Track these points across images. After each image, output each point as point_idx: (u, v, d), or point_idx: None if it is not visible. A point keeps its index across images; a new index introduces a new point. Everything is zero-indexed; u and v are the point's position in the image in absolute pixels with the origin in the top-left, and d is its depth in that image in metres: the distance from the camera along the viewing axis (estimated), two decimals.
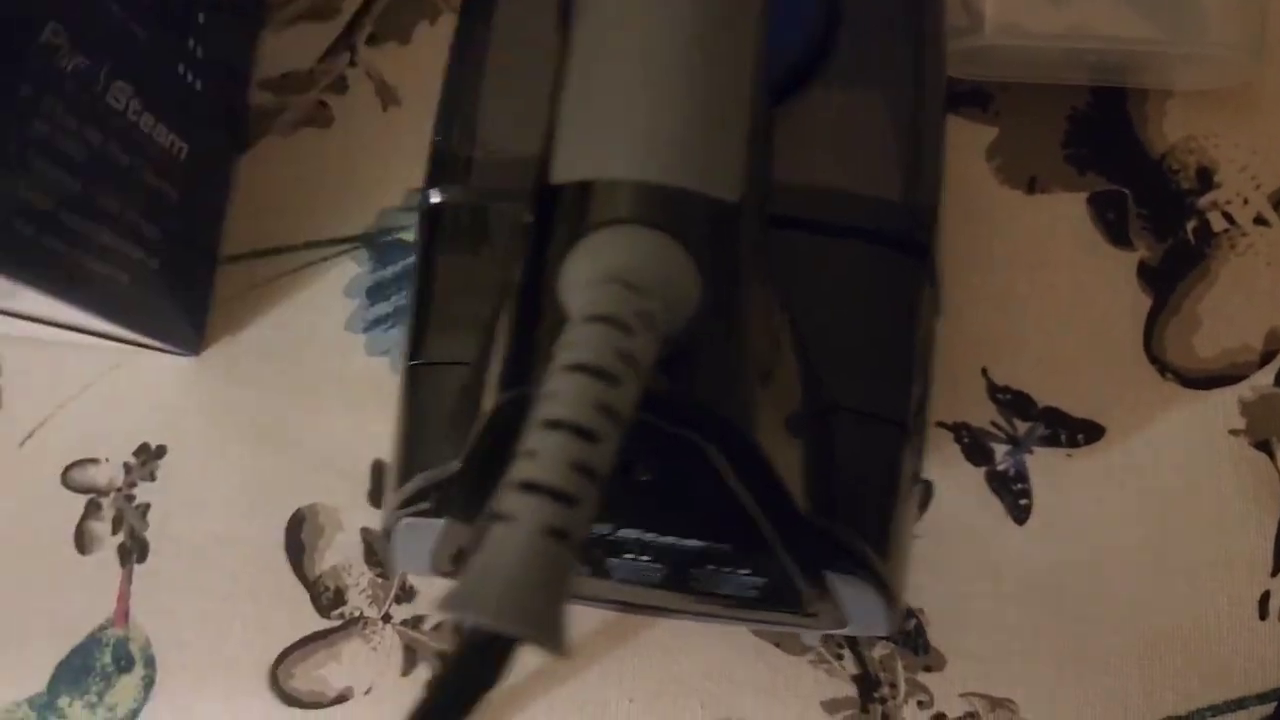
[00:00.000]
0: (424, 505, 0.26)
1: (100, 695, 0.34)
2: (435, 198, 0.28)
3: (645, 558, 0.27)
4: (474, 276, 0.27)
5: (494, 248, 0.27)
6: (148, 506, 0.35)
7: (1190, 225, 0.36)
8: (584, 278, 0.19)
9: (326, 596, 0.34)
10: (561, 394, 0.17)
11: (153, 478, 0.35)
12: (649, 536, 0.26)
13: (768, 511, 0.23)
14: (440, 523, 0.27)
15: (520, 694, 0.33)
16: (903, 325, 0.27)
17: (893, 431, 0.26)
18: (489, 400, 0.22)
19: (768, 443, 0.22)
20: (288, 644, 0.34)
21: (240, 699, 0.34)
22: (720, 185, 0.20)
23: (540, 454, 0.17)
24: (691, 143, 0.20)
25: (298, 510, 0.35)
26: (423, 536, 0.28)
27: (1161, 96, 0.36)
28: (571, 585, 0.17)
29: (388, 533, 0.28)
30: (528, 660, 0.33)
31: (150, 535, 0.35)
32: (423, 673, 0.34)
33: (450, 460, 0.26)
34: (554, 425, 0.17)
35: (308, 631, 0.34)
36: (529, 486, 0.16)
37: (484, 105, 0.29)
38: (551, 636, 0.16)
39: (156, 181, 0.33)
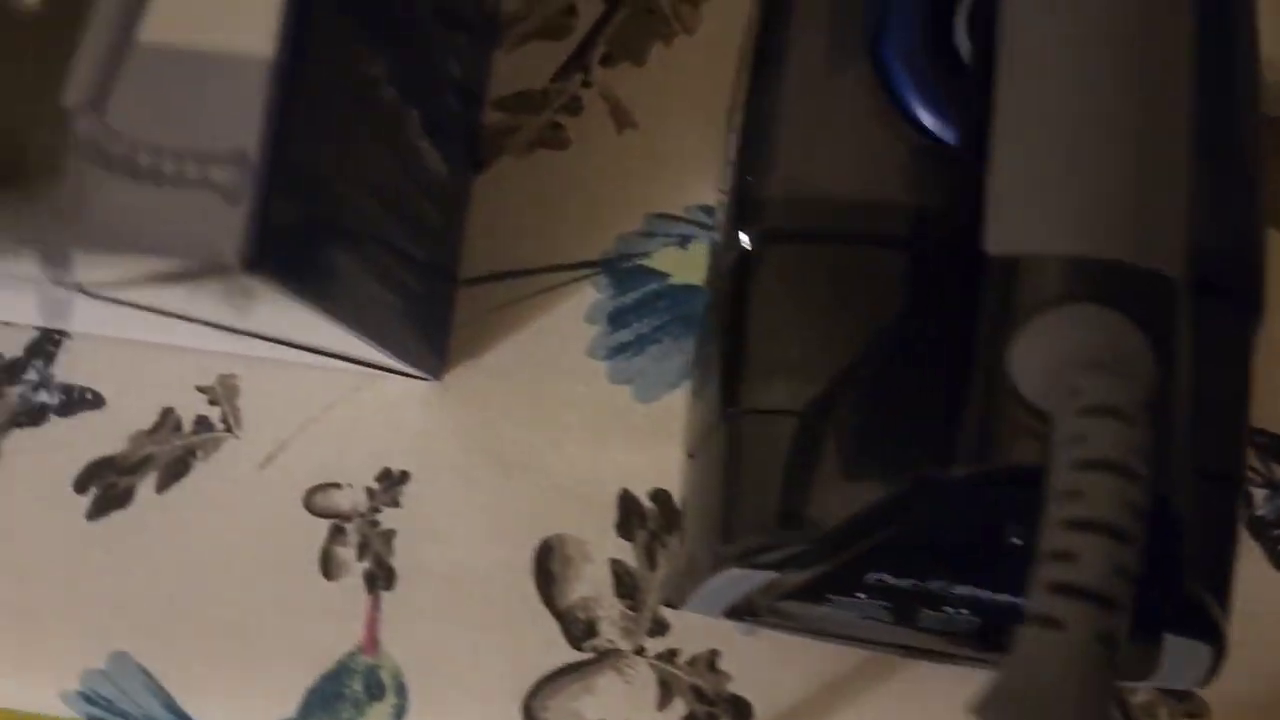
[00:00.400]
0: (760, 559, 0.26)
1: None
2: (746, 240, 0.28)
3: (964, 611, 0.27)
4: (804, 322, 0.27)
5: (828, 294, 0.26)
6: (393, 533, 0.35)
7: None
8: (1055, 359, 0.19)
9: (578, 628, 0.34)
10: (1092, 494, 0.17)
11: (396, 504, 0.35)
12: (985, 594, 0.26)
13: (1151, 582, 0.23)
14: (766, 575, 0.27)
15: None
16: (1238, 377, 0.27)
17: (1231, 488, 0.26)
18: (892, 469, 0.21)
19: (1181, 527, 0.22)
20: (541, 675, 0.34)
21: None
22: (1166, 260, 0.20)
23: (1082, 557, 0.16)
24: (1143, 215, 0.20)
25: (545, 540, 0.35)
26: (739, 585, 0.27)
27: None
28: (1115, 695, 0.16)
29: (700, 578, 0.27)
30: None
31: (396, 562, 0.35)
32: (679, 708, 0.33)
33: (784, 512, 0.26)
34: (1089, 526, 0.16)
35: (560, 663, 0.34)
36: (1075, 591, 0.16)
37: (789, 142, 0.29)
38: None
39: (423, 204, 0.33)
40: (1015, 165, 0.21)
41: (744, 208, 0.28)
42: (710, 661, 0.34)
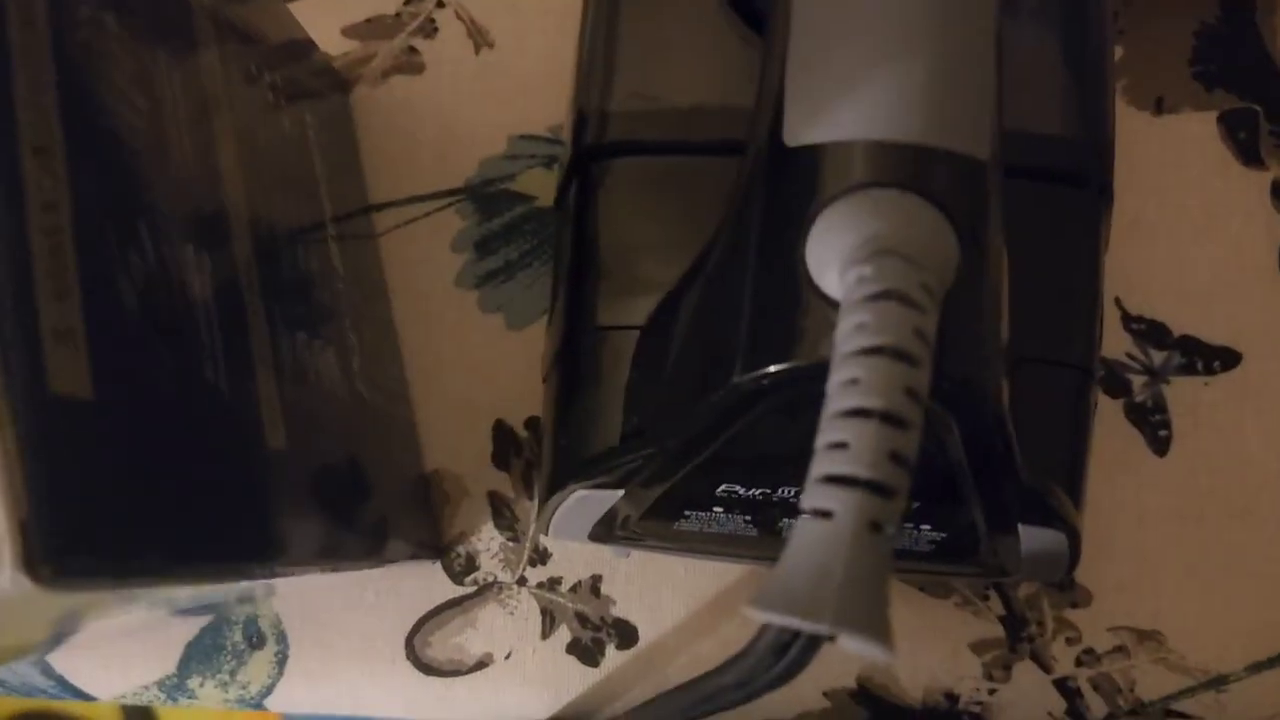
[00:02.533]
0: (605, 479, 0.25)
1: (232, 674, 0.33)
2: (586, 154, 0.27)
3: None
4: (645, 236, 0.26)
5: (669, 205, 0.26)
6: None
7: None
8: (846, 248, 0.18)
9: (459, 563, 0.33)
10: (866, 380, 0.16)
11: None
12: None
13: (985, 474, 0.23)
14: (613, 494, 0.26)
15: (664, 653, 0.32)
16: (1086, 266, 0.26)
17: (1080, 377, 0.26)
18: (714, 376, 0.20)
19: (1001, 404, 0.21)
20: (423, 613, 0.33)
21: (377, 670, 0.33)
22: (972, 141, 0.19)
23: (854, 445, 0.16)
24: (945, 97, 0.19)
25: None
26: (591, 507, 0.27)
27: None
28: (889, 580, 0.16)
29: (553, 501, 0.27)
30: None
31: None
32: (563, 634, 0.33)
33: (627, 428, 0.25)
34: (864, 414, 0.16)
35: (442, 599, 0.33)
36: (845, 480, 0.15)
37: (627, 54, 0.27)
38: (884, 637, 0.15)
39: None
40: (809, 54, 0.20)
41: (583, 121, 0.27)
42: (593, 587, 0.33)
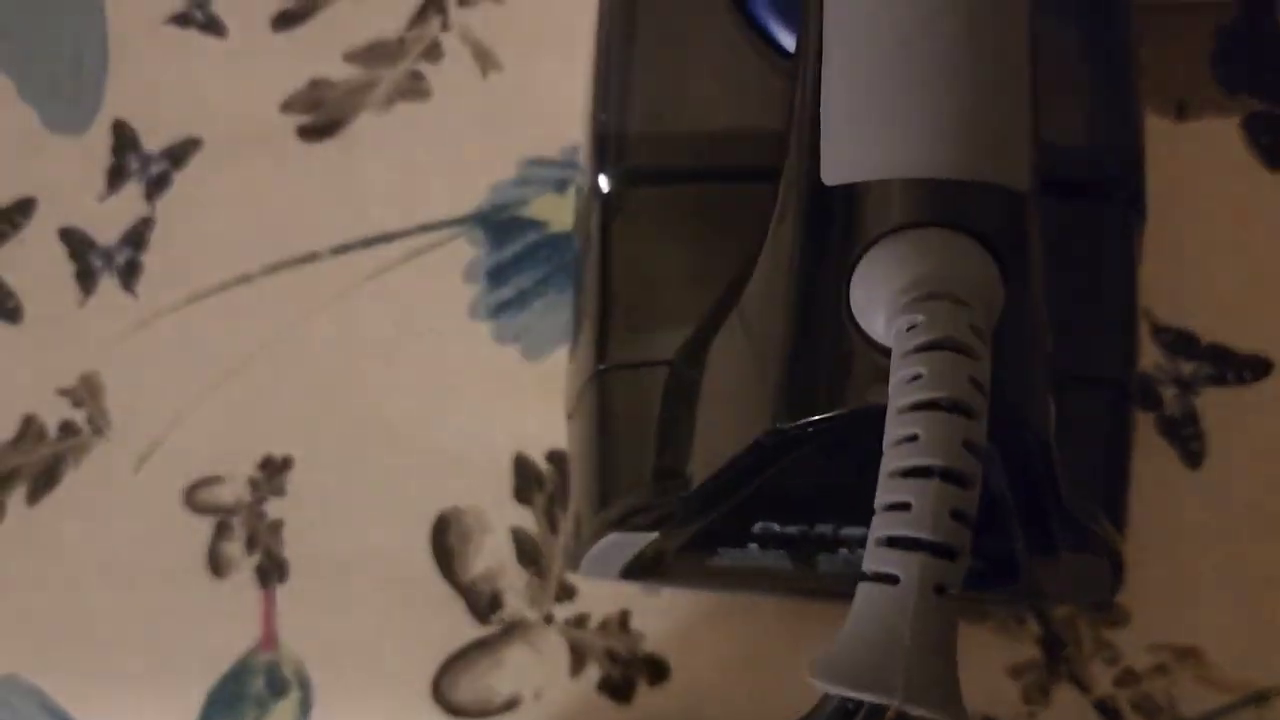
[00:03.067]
0: (637, 520, 0.25)
1: None
2: (606, 183, 0.26)
3: (861, 550, 0.26)
4: (671, 267, 0.25)
5: (695, 234, 0.25)
6: (281, 523, 0.33)
7: None
8: (892, 292, 0.17)
9: (482, 601, 0.33)
10: (925, 436, 0.15)
11: (282, 492, 0.33)
12: None
13: (1027, 502, 0.22)
14: (646, 535, 0.25)
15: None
16: (1121, 281, 0.25)
17: (1117, 394, 0.25)
18: (752, 420, 0.20)
19: (1050, 437, 0.20)
20: (448, 654, 0.32)
21: (404, 714, 0.32)
22: (1012, 175, 0.18)
23: (916, 506, 0.15)
24: (982, 131, 0.18)
25: (441, 513, 0.33)
26: (623, 548, 0.26)
27: None
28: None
29: (585, 544, 0.26)
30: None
31: (288, 553, 0.33)
32: (593, 673, 0.32)
33: (659, 469, 0.25)
34: (924, 473, 0.15)
35: (467, 640, 0.33)
36: (909, 543, 0.15)
37: (645, 75, 0.27)
38: (956, 710, 0.14)
39: None
40: (844, 89, 0.19)
41: (602, 148, 0.27)
42: (622, 622, 0.32)
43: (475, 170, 0.35)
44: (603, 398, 0.25)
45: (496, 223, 0.35)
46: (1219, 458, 0.33)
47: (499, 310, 0.34)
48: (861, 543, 0.25)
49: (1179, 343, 0.33)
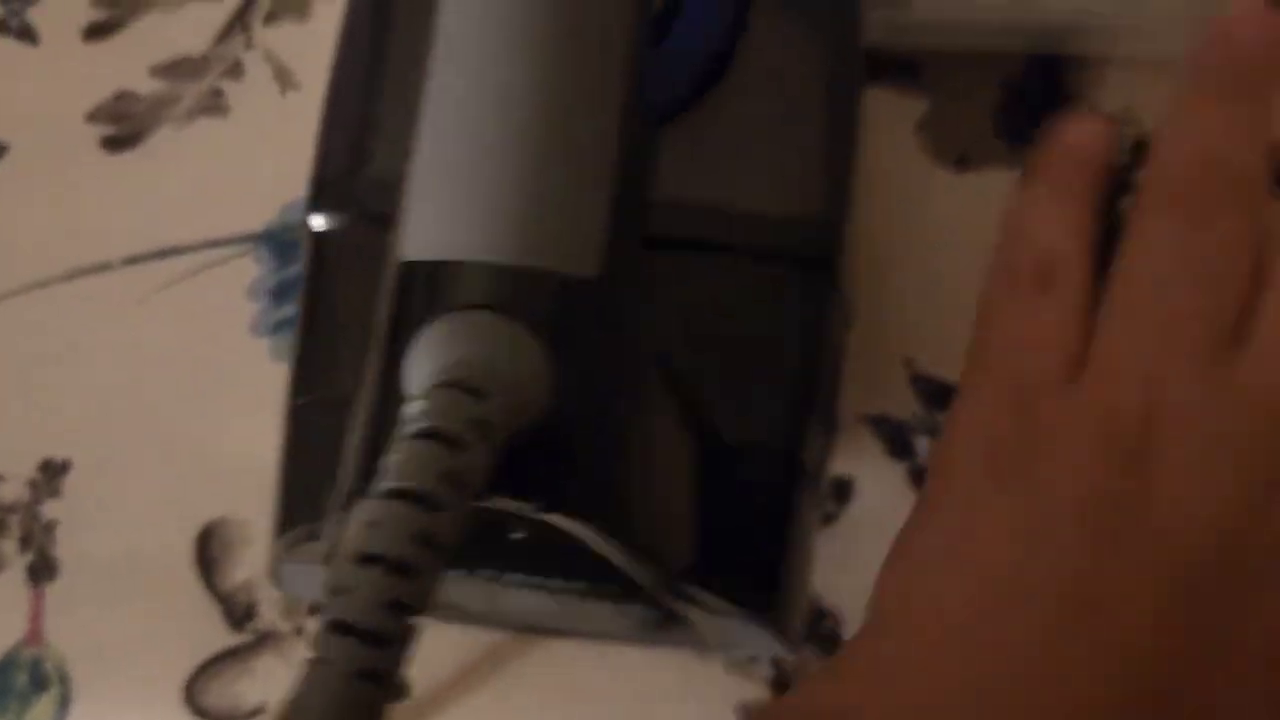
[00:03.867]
0: (303, 552, 0.25)
1: (18, 716, 0.34)
2: (318, 223, 0.27)
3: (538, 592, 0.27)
4: (356, 312, 0.26)
5: (359, 279, 0.25)
6: (55, 523, 0.34)
7: (1126, 201, 0.34)
8: (425, 373, 0.18)
9: (238, 611, 0.34)
10: (378, 523, 0.16)
11: (58, 494, 0.35)
12: (536, 579, 0.25)
13: (643, 570, 0.23)
14: (319, 568, 0.26)
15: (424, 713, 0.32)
16: (798, 350, 0.26)
17: (780, 462, 0.25)
18: (347, 478, 0.20)
19: (637, 510, 0.21)
20: (202, 660, 0.34)
21: (155, 715, 0.33)
22: (576, 260, 0.19)
23: (354, 590, 0.16)
24: (545, 217, 0.19)
25: (208, 523, 0.34)
26: (311, 574, 0.27)
27: (1099, 65, 0.34)
28: None
29: (272, 566, 0.27)
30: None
31: (60, 552, 0.34)
32: None
33: (319, 507, 0.25)
34: (368, 560, 0.16)
35: (220, 647, 0.34)
36: (341, 628, 0.15)
37: (372, 117, 0.27)
38: None
39: None
40: (429, 165, 0.19)
41: (314, 188, 0.27)
42: None
43: (268, 188, 0.36)
44: (292, 431, 0.26)
45: (283, 242, 0.35)
46: None
47: (279, 328, 0.35)
48: (532, 584, 0.26)
49: (937, 393, 0.34)
